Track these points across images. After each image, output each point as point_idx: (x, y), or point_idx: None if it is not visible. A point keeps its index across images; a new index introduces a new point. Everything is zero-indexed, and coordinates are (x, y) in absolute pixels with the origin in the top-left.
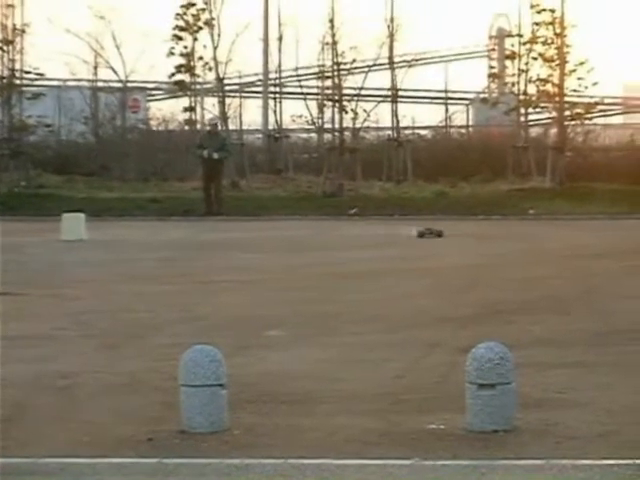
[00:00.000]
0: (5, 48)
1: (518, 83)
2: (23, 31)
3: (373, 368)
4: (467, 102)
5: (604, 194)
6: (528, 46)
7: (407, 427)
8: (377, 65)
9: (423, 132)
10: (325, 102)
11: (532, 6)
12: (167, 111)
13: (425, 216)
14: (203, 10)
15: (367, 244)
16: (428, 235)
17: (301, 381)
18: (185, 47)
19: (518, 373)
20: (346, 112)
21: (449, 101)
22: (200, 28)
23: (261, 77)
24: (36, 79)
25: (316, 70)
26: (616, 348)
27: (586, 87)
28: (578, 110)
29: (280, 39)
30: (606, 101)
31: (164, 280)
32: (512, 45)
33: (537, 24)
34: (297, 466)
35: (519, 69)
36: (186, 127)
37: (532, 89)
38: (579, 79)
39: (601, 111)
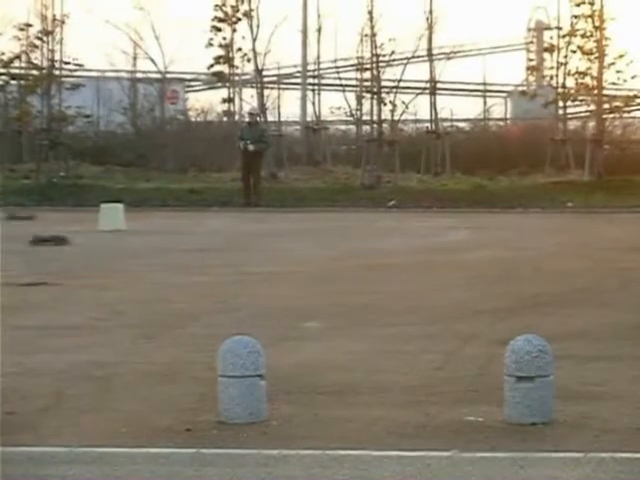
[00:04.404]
0: (45, 39)
1: (557, 76)
2: (62, 22)
3: (410, 359)
4: (505, 95)
5: None
6: (567, 39)
7: (445, 419)
8: (416, 57)
9: (461, 124)
10: (364, 94)
11: None
12: (205, 102)
13: (463, 209)
14: (242, 1)
15: (404, 236)
16: (45, 243)
17: (339, 372)
18: (224, 38)
19: (556, 366)
20: (384, 104)
21: (487, 94)
22: (239, 19)
23: (300, 69)
24: (75, 70)
25: (355, 62)
26: None
27: (625, 80)
28: (617, 103)
29: (319, 30)
30: None
31: (201, 271)
32: (551, 38)
33: (576, 17)
34: (335, 457)
35: (558, 62)
36: (224, 118)
37: (571, 82)
38: (618, 72)
39: None
